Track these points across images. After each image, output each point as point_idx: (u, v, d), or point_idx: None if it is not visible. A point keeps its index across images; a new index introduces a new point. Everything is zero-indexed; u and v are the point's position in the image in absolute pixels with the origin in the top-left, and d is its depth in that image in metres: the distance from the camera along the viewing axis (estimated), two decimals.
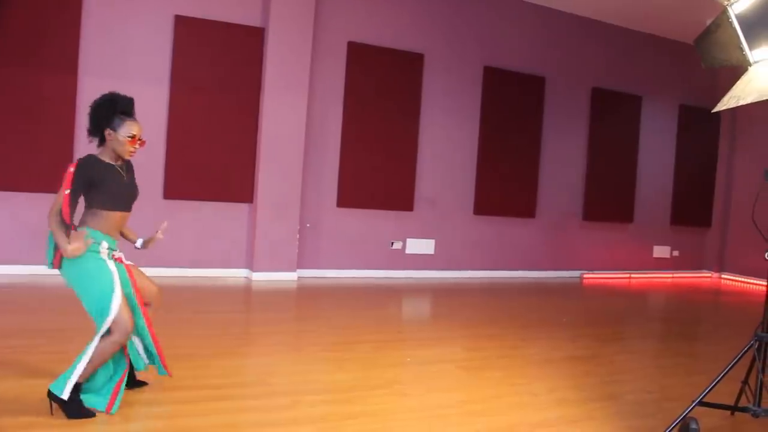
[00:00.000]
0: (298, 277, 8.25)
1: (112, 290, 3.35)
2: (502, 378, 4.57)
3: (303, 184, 8.22)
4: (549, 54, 10.10)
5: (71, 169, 3.37)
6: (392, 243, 9.03)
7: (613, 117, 10.74)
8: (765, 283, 3.58)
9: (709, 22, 3.65)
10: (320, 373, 4.49)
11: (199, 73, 7.71)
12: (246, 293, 7.40)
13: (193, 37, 7.66)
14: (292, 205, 8.12)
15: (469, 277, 9.53)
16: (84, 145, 6.99)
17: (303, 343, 5.38)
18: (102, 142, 3.51)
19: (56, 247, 3.40)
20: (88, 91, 6.80)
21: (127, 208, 3.60)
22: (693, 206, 11.79)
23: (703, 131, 11.67)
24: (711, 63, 3.74)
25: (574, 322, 7.03)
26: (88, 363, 3.33)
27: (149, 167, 7.24)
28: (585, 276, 10.52)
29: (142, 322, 3.62)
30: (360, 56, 8.58)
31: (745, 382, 3.80)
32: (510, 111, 9.74)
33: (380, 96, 8.73)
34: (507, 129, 9.72)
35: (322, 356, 4.95)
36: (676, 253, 11.72)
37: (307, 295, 7.58)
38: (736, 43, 3.52)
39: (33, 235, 7.05)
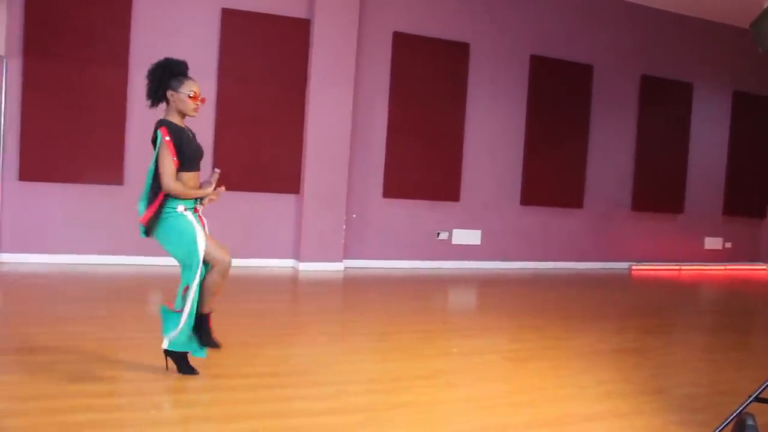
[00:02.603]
0: (345, 268, 8.30)
1: (195, 233, 3.64)
2: (548, 369, 4.54)
3: (349, 174, 8.26)
4: (597, 41, 9.93)
5: (167, 138, 3.59)
6: (438, 233, 9.02)
7: (663, 105, 10.52)
8: None
9: (767, 4, 3.54)
10: (366, 363, 4.52)
11: (246, 65, 7.79)
12: (293, 283, 7.47)
13: (239, 30, 7.74)
14: (339, 196, 8.16)
15: (516, 268, 9.47)
16: (135, 139, 7.21)
17: (349, 332, 5.42)
18: (162, 104, 3.75)
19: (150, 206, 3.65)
20: (139, 84, 6.89)
21: (199, 167, 3.86)
22: (747, 196, 11.48)
23: (758, 118, 11.34)
24: (766, 47, 3.63)
25: (621, 313, 6.94)
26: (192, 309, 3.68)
27: None
28: (634, 267, 10.36)
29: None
30: (405, 46, 8.56)
31: None
32: (557, 100, 9.62)
33: (426, 86, 8.70)
34: (554, 118, 9.60)
35: (368, 346, 4.98)
36: (728, 244, 11.44)
37: (353, 285, 7.62)
38: None
39: (84, 225, 7.25)
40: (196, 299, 3.71)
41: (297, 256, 8.14)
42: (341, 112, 8.11)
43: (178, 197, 3.63)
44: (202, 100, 3.79)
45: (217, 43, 7.70)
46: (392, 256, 8.76)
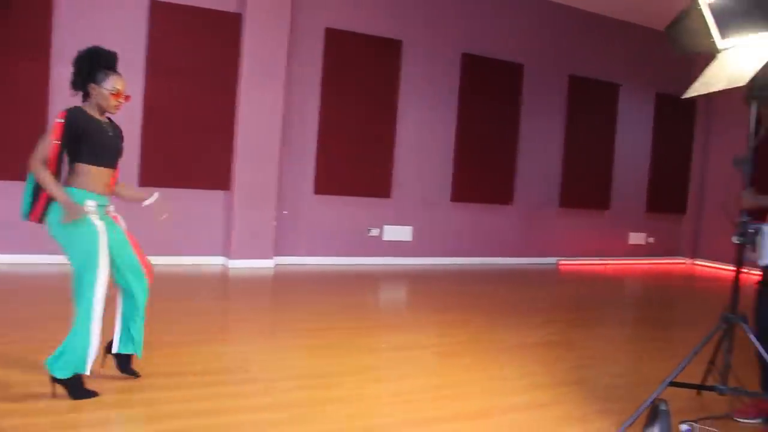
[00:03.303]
0: (275, 265, 8.24)
1: (97, 253, 3.37)
2: (474, 363, 4.62)
3: (280, 171, 8.19)
4: (527, 41, 10.12)
5: (59, 119, 3.36)
6: (369, 230, 9.04)
7: (590, 105, 10.81)
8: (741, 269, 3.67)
9: (681, 9, 3.70)
10: (296, 360, 4.51)
11: (175, 59, 7.63)
12: (223, 281, 7.38)
13: (168, 23, 7.58)
14: (269, 193, 8.10)
15: (446, 264, 9.57)
16: None
17: (279, 330, 5.39)
18: (86, 96, 3.52)
19: (35, 199, 3.41)
20: (61, 77, 6.71)
21: (112, 164, 3.59)
22: (668, 193, 11.92)
23: (679, 119, 11.78)
24: (681, 50, 3.80)
25: (547, 308, 7.11)
26: (96, 336, 3.40)
27: (124, 154, 7.16)
28: (561, 263, 10.61)
29: (143, 293, 3.67)
30: (337, 42, 8.54)
31: (712, 362, 3.90)
32: (488, 98, 9.75)
33: (358, 82, 8.71)
34: (485, 116, 9.74)
35: (298, 343, 4.96)
36: (651, 239, 11.85)
37: (284, 282, 7.58)
38: (705, 30, 3.58)
39: (4, 224, 6.97)
40: (97, 313, 3.41)
41: (227, 253, 8.04)
42: (272, 107, 8.04)
43: (38, 180, 3.34)
44: (126, 98, 3.56)
45: (145, 35, 7.51)
46: (323, 253, 8.75)
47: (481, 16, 9.69)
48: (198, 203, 7.96)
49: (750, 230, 3.51)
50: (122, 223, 3.67)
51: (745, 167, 3.57)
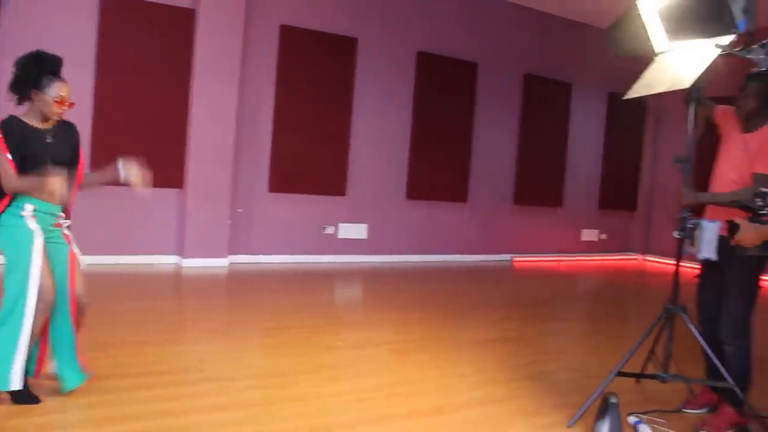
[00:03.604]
0: (230, 263, 8.17)
1: (30, 256, 3.23)
2: (430, 360, 4.65)
3: (234, 169, 8.12)
4: (482, 40, 10.19)
5: None
6: (324, 228, 9.02)
7: (544, 103, 10.93)
8: (684, 264, 3.81)
9: (623, 12, 3.81)
10: (252, 359, 4.50)
11: (127, 55, 7.48)
12: (177, 280, 7.30)
13: (120, 19, 7.43)
14: (223, 191, 8.02)
15: (402, 261, 9.60)
16: None
17: (234, 329, 5.35)
18: (24, 100, 3.40)
19: None
20: (6, 74, 6.52)
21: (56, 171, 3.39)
22: (620, 191, 12.14)
23: (630, 118, 11.98)
24: (621, 52, 3.94)
25: (502, 304, 7.20)
26: (24, 346, 3.23)
27: None
28: (515, 259, 10.73)
29: (65, 319, 3.47)
30: (292, 40, 8.49)
31: (652, 351, 4.05)
32: (443, 96, 9.80)
33: (313, 80, 8.67)
34: (440, 114, 9.78)
35: (253, 342, 4.94)
36: (603, 236, 12.06)
37: (238, 281, 7.52)
38: (643, 34, 3.70)
39: None
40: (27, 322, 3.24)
41: (181, 252, 7.94)
42: (226, 105, 7.96)
43: (24, 194, 3.27)
44: (70, 105, 3.44)
45: (95, 31, 7.36)
46: (278, 251, 8.69)
47: (436, 15, 9.73)
48: (151, 202, 7.83)
49: (689, 225, 3.64)
50: (73, 247, 3.54)
51: (685, 166, 3.70)
